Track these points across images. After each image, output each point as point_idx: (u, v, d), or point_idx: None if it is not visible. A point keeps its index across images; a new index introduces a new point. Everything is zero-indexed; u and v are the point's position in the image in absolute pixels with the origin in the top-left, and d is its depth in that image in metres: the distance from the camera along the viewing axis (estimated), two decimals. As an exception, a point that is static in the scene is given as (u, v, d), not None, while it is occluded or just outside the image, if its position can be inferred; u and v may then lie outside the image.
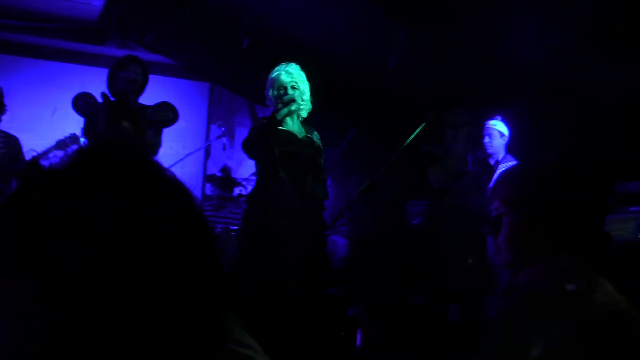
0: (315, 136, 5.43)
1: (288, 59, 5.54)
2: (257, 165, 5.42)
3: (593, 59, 6.44)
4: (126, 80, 5.66)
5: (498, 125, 7.02)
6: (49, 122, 8.77)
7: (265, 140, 5.15)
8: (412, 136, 5.41)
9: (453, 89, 7.26)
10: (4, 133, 6.66)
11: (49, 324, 1.00)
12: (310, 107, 5.41)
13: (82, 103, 5.64)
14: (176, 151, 9.46)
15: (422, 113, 5.40)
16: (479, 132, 6.60)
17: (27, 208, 1.03)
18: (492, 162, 6.92)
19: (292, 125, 5.37)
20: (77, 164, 1.09)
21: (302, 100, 5.32)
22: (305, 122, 5.48)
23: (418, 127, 5.26)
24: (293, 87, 5.29)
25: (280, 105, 5.20)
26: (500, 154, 7.00)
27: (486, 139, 6.97)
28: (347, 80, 7.40)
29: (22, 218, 1.01)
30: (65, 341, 1.00)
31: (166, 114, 5.88)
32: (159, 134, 5.83)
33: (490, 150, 6.97)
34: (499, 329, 2.11)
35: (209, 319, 1.15)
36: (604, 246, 2.19)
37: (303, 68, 5.48)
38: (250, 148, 5.27)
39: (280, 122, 5.17)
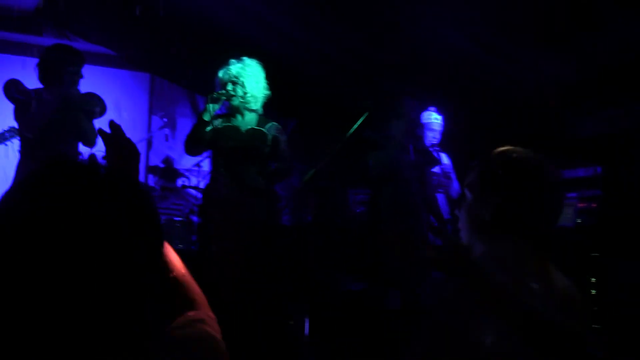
0: (272, 128, 5.49)
1: (226, 51, 5.57)
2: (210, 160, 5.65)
3: (520, 48, 6.54)
4: (69, 73, 5.59)
5: (438, 118, 7.06)
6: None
7: (196, 141, 5.39)
8: (356, 125, 5.45)
9: (391, 80, 7.31)
10: None
11: None
12: (260, 99, 5.50)
13: (13, 90, 5.56)
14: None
15: (362, 103, 5.44)
16: (416, 121, 6.62)
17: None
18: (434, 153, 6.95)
19: (241, 119, 5.53)
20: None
21: (245, 94, 5.38)
22: (263, 114, 5.55)
23: (360, 116, 5.31)
24: (233, 83, 5.37)
25: (208, 105, 5.30)
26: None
27: (431, 133, 7.00)
28: (287, 72, 7.39)
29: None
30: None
31: (94, 105, 5.81)
32: (90, 123, 5.76)
33: (435, 142, 7.01)
34: (445, 312, 2.14)
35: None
36: (549, 232, 2.25)
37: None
38: (185, 149, 5.53)
39: (207, 122, 5.37)
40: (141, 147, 10.03)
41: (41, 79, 5.73)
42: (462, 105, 7.46)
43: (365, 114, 5.51)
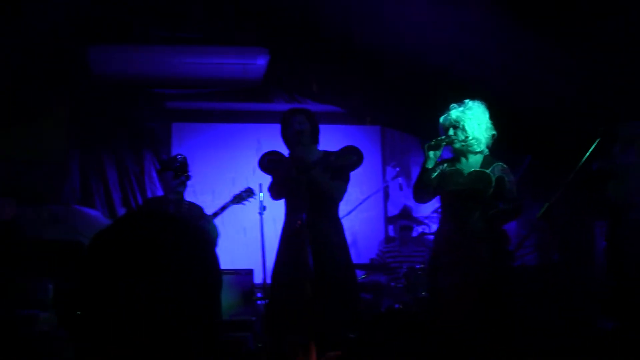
0: (497, 168, 5.46)
1: (454, 95, 5.62)
2: None
3: None
4: (294, 134, 5.79)
5: None
6: (226, 182, 9.11)
7: (421, 188, 5.55)
8: (588, 154, 5.30)
9: (621, 102, 7.02)
10: (189, 202, 7.16)
11: None
12: (484, 141, 5.53)
13: (265, 161, 5.87)
14: (355, 197, 9.61)
15: (594, 130, 5.28)
16: None
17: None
18: None
19: (465, 162, 5.59)
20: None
21: (466, 137, 5.40)
22: (489, 155, 5.62)
23: (591, 145, 5.15)
24: (454, 127, 5.42)
25: (428, 153, 5.38)
26: None
27: None
28: (516, 109, 7.29)
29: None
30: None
31: (349, 157, 5.97)
32: (343, 178, 5.91)
33: None
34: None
35: None
36: None
37: (460, 104, 5.56)
38: (413, 196, 5.77)
39: (429, 169, 5.49)
40: (378, 198, 10.22)
41: (286, 143, 6.01)
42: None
43: (597, 141, 5.34)
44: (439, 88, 7.65)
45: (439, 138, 5.47)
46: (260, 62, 8.87)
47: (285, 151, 6.06)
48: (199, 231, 1.60)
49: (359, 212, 9.42)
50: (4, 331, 5.68)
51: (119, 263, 1.44)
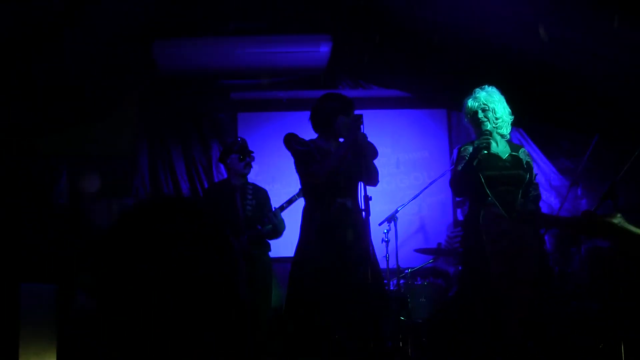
0: (523, 153, 5.51)
1: (517, 75, 5.61)
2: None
3: None
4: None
5: None
6: (292, 170, 9.15)
7: (468, 182, 5.47)
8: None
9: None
10: (253, 185, 7.21)
11: None
12: (508, 124, 5.64)
13: (293, 142, 5.93)
14: (422, 181, 9.58)
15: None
16: None
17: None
18: None
19: (496, 146, 5.60)
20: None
21: (496, 119, 5.41)
22: (510, 140, 5.77)
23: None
24: (483, 110, 5.43)
25: (476, 143, 5.32)
26: None
27: None
28: (583, 88, 7.17)
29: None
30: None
31: (371, 148, 6.00)
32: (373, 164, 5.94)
33: None
34: None
35: None
36: None
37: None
38: (455, 192, 6.19)
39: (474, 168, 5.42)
40: (446, 182, 10.13)
41: (316, 128, 6.06)
42: None
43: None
44: (506, 70, 7.59)
45: (484, 138, 5.45)
46: (324, 49, 8.90)
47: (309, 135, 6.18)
48: (213, 221, 1.62)
49: (426, 196, 9.36)
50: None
51: (131, 250, 1.48)
